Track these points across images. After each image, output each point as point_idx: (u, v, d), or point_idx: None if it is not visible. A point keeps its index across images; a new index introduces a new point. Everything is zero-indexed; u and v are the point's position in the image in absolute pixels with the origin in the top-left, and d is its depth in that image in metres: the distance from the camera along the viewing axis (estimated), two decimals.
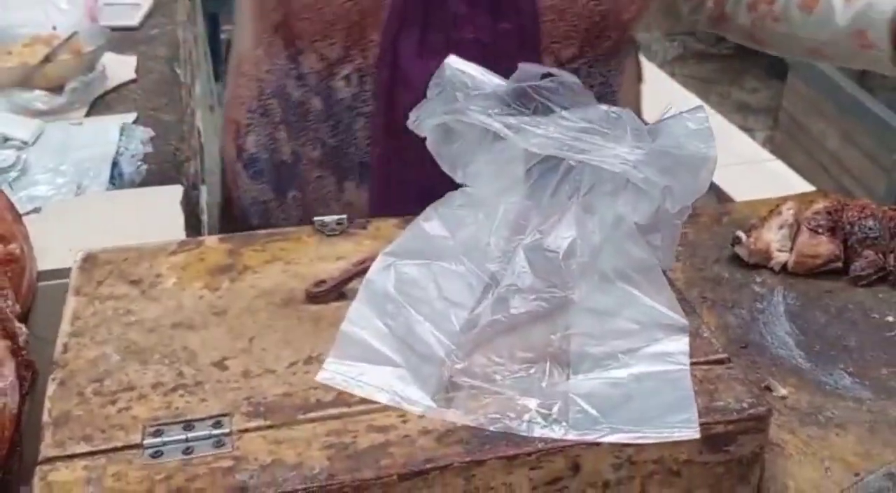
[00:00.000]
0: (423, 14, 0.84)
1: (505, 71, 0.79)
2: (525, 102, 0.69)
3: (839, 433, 0.67)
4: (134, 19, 1.62)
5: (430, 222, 0.68)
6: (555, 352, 0.62)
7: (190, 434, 0.58)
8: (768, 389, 0.71)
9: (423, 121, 0.68)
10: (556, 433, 0.58)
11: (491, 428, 0.58)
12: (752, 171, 1.90)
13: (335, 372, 0.62)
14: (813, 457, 0.65)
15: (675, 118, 0.68)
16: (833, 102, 2.93)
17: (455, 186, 0.73)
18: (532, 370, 0.61)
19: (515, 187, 0.69)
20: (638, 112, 1.03)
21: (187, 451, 0.57)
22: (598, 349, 0.62)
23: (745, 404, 0.59)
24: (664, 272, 0.72)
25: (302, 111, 0.92)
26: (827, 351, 0.75)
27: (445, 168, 0.70)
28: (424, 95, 0.78)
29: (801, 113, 3.16)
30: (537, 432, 0.58)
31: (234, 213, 1.03)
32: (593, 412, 0.58)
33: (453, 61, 0.70)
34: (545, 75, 0.71)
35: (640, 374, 0.60)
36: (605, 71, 0.91)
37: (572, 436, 0.58)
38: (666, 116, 0.70)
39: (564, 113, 0.68)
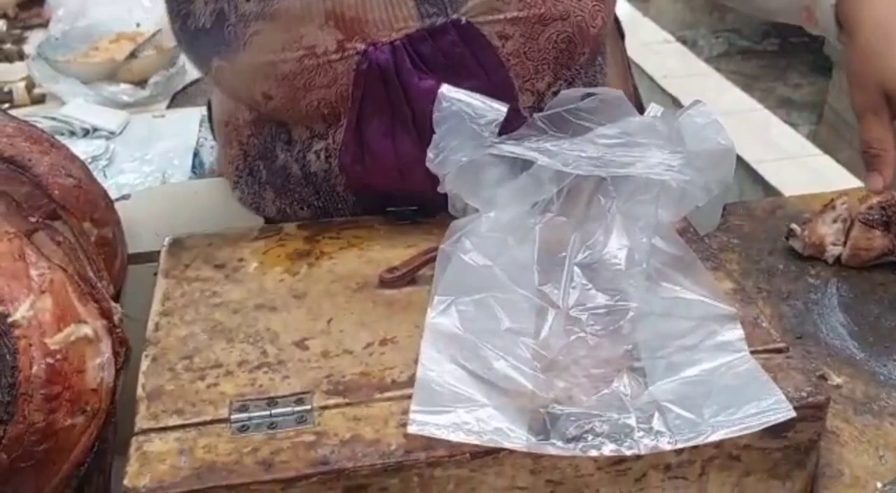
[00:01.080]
0: (385, 99, 0.77)
1: None
2: (561, 127, 0.67)
3: (893, 422, 0.66)
4: None
5: (469, 254, 0.65)
6: (628, 364, 0.60)
7: (274, 410, 0.58)
8: (823, 378, 0.70)
9: (448, 158, 0.66)
10: (665, 444, 0.56)
11: (604, 452, 0.56)
12: (798, 165, 1.86)
13: (424, 422, 0.56)
14: (868, 445, 0.64)
15: (683, 117, 0.67)
16: None
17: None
18: (614, 385, 0.59)
19: (547, 206, 0.67)
20: (629, 94, 0.92)
21: (272, 426, 0.57)
22: (667, 353, 0.60)
23: (803, 393, 0.58)
24: (718, 264, 0.71)
25: (284, 175, 0.86)
26: (881, 342, 0.74)
27: (471, 201, 0.68)
28: (395, 178, 0.77)
29: (845, 108, 3.08)
30: (645, 448, 0.56)
31: None
32: (689, 415, 0.57)
33: (448, 91, 0.67)
34: (586, 96, 0.70)
35: (712, 369, 0.59)
36: (587, 79, 0.85)
37: (682, 444, 0.56)
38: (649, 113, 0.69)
39: (600, 130, 0.66)
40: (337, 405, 0.59)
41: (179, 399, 0.60)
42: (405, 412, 0.58)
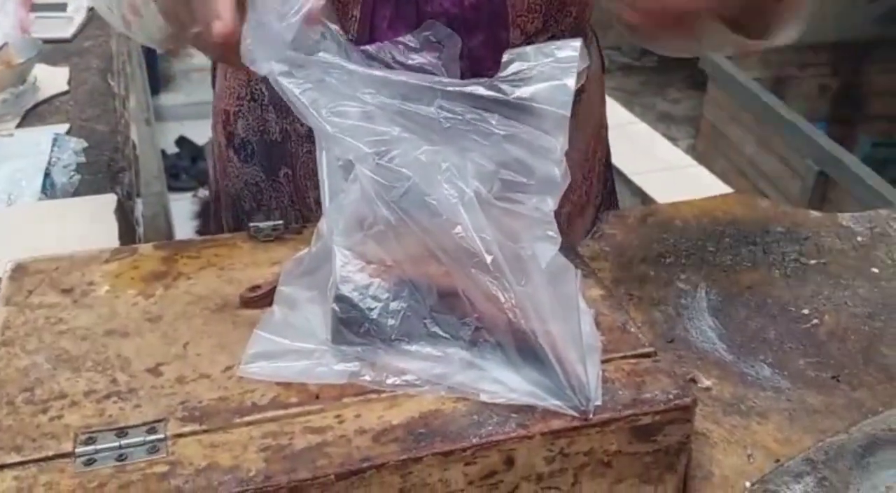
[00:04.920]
0: None
1: (475, 42, 0.85)
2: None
3: (760, 421, 0.68)
4: (67, 31, 1.58)
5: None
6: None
7: (123, 441, 0.56)
8: (693, 381, 0.72)
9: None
10: None
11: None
12: (675, 176, 1.93)
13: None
14: (736, 445, 0.66)
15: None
16: (750, 110, 3.01)
17: None
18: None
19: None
20: (602, 101, 1.05)
21: (121, 458, 0.55)
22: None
23: (671, 396, 0.60)
24: (589, 272, 0.72)
25: None
26: (748, 344, 0.76)
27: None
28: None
29: (720, 122, 3.23)
30: None
31: (224, 204, 1.03)
32: None
33: None
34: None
35: None
36: None
37: None
38: None
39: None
40: (193, 433, 0.57)
41: (18, 435, 0.56)
42: (266, 435, 0.57)
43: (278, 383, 0.61)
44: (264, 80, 0.90)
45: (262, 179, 0.98)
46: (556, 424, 0.57)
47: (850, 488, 0.62)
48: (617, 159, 1.98)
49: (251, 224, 0.78)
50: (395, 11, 0.86)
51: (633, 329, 0.66)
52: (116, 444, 0.56)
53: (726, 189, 1.98)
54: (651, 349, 0.64)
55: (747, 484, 0.62)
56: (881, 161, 2.71)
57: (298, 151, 0.95)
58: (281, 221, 0.78)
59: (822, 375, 0.73)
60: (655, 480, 0.61)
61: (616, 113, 2.24)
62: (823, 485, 0.62)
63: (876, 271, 0.85)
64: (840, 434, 0.66)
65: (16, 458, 0.55)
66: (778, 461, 0.64)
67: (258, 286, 0.69)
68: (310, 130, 0.89)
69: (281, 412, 0.58)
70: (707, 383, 0.71)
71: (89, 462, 0.55)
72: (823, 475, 0.62)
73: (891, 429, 0.66)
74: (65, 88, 1.37)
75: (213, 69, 1.05)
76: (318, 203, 0.73)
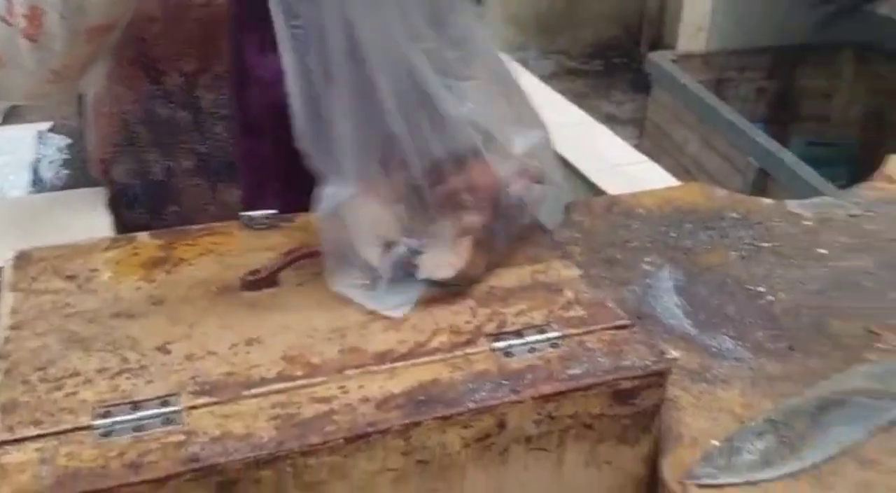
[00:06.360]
0: (259, 16, 0.80)
1: None
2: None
3: (725, 388, 0.72)
4: None
5: None
6: None
7: (139, 414, 0.57)
8: (662, 352, 0.75)
9: None
10: None
11: None
12: (627, 171, 1.97)
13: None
14: (703, 409, 0.69)
15: None
16: (692, 111, 3.07)
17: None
18: None
19: None
20: None
21: (138, 429, 0.56)
22: None
23: (648, 362, 0.63)
24: (565, 254, 0.75)
25: (171, 127, 0.92)
26: (710, 319, 0.80)
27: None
28: (269, 89, 0.81)
29: (664, 122, 3.30)
30: None
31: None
32: None
33: None
34: None
35: None
36: None
37: None
38: None
39: None
40: (205, 405, 0.58)
41: (37, 410, 0.57)
42: (275, 406, 0.58)
43: (282, 358, 0.63)
44: (143, 121, 0.92)
45: (147, 220, 0.96)
46: (545, 389, 0.60)
47: (805, 443, 0.65)
48: (572, 157, 2.03)
49: (241, 214, 0.79)
50: (261, 36, 0.83)
51: (611, 304, 0.69)
52: (132, 416, 0.57)
53: (673, 181, 2.03)
54: (628, 322, 0.67)
55: (715, 443, 0.66)
56: (815, 159, 2.79)
57: (184, 185, 0.95)
58: (273, 211, 0.79)
59: (778, 346, 0.77)
60: (633, 441, 0.65)
61: (570, 112, 2.28)
62: (783, 441, 0.66)
63: (823, 252, 0.90)
64: (796, 398, 0.70)
65: (35, 431, 0.56)
66: (742, 422, 0.68)
67: (257, 270, 0.71)
68: (195, 164, 0.92)
69: (288, 385, 0.60)
70: (675, 354, 0.75)
71: (107, 434, 0.56)
72: (782, 433, 0.66)
73: (841, 392, 0.70)
74: None
75: (81, 120, 1.04)
76: None
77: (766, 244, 0.90)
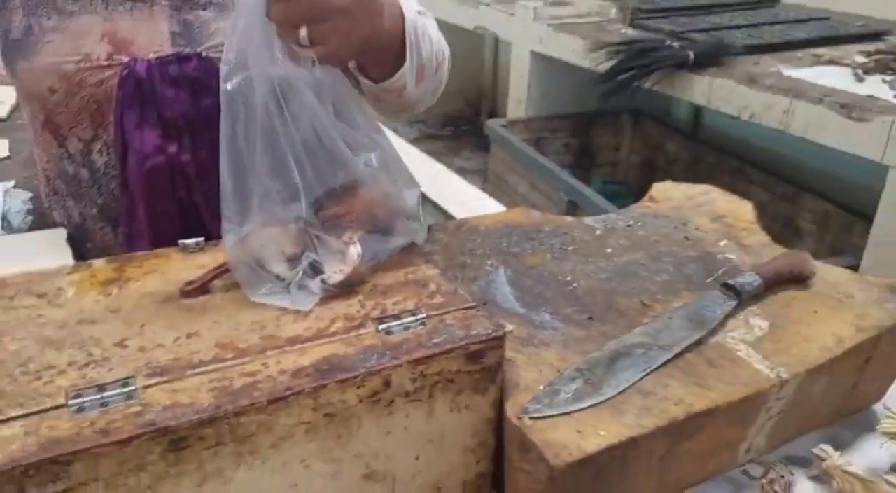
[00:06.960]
0: (139, 101, 0.84)
1: (212, 137, 0.72)
2: None
3: (546, 349, 0.76)
4: (2, 112, 1.49)
5: None
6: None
7: (104, 394, 0.57)
8: (501, 325, 0.79)
9: None
10: None
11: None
12: (474, 207, 2.05)
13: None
14: (532, 365, 0.73)
15: None
16: (520, 161, 3.20)
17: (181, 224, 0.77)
18: None
19: None
20: None
21: (104, 404, 0.56)
22: None
23: (490, 331, 0.67)
24: (429, 259, 0.78)
25: (76, 182, 0.91)
26: (534, 302, 0.84)
27: None
28: (145, 160, 0.83)
29: (501, 171, 3.41)
30: None
31: None
32: None
33: None
34: None
35: None
36: None
37: None
38: None
39: None
40: (157, 383, 0.58)
41: (19, 396, 0.56)
42: (212, 381, 0.59)
43: (216, 345, 0.63)
44: (60, 176, 0.94)
45: (78, 255, 0.96)
46: (418, 354, 0.63)
47: (603, 383, 0.71)
48: (434, 197, 2.08)
49: (179, 242, 0.79)
50: (140, 116, 0.84)
51: (461, 292, 0.73)
52: (99, 396, 0.56)
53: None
54: (475, 304, 0.71)
55: (541, 387, 0.70)
56: (608, 193, 2.96)
57: (95, 228, 0.94)
58: (202, 238, 0.79)
59: (582, 317, 0.82)
60: (483, 390, 0.68)
61: (432, 166, 2.35)
62: (588, 383, 0.71)
63: (610, 251, 0.96)
64: (596, 352, 0.75)
65: (21, 411, 0.54)
66: (559, 372, 0.72)
67: (192, 281, 0.71)
68: (98, 212, 0.95)
69: (221, 365, 0.61)
70: (510, 327, 0.79)
71: (80, 410, 0.55)
72: (587, 378, 0.71)
73: (626, 345, 0.76)
74: (6, 154, 1.30)
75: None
76: None
77: (570, 248, 0.96)
